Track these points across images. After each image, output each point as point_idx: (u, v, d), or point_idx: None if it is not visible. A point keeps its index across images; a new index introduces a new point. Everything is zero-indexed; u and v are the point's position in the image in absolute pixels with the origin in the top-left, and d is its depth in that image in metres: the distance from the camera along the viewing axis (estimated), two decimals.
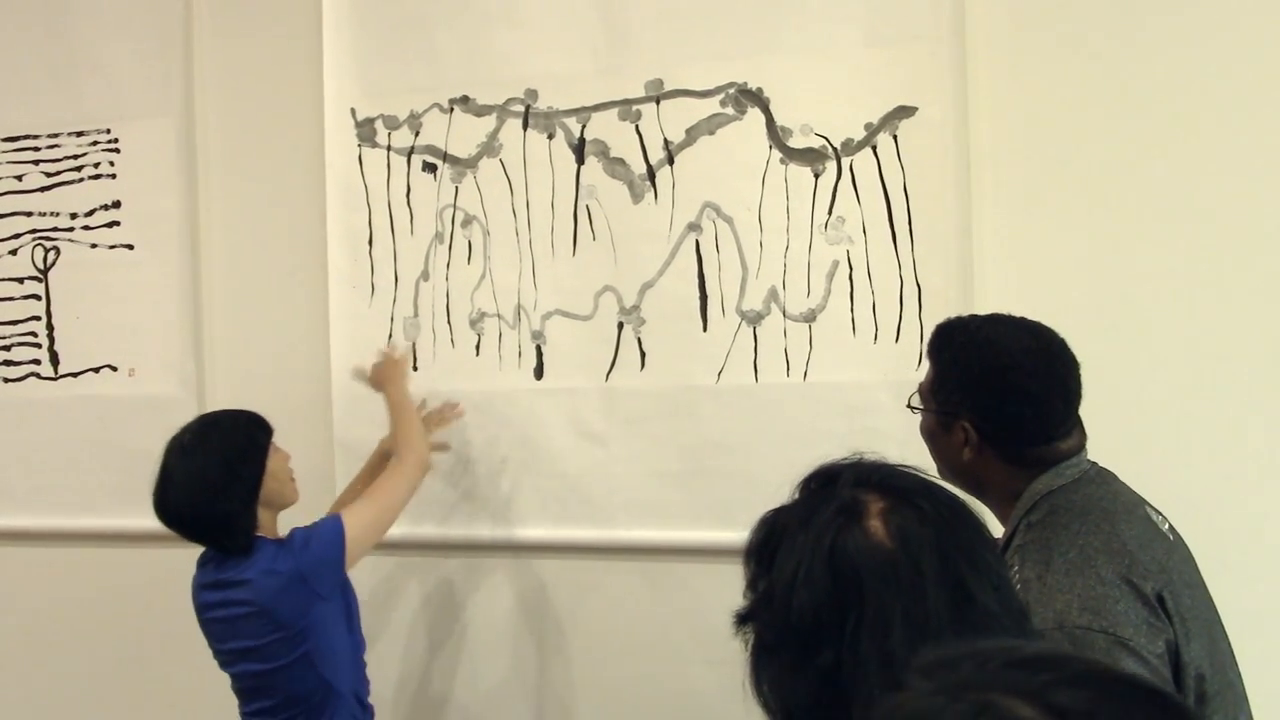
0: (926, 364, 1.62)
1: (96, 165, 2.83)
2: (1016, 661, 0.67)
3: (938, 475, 1.09)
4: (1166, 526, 1.52)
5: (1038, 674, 0.65)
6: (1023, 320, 1.56)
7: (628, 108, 2.46)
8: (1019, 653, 0.69)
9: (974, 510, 1.06)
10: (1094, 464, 1.53)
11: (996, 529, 1.16)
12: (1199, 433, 2.16)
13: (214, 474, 2.04)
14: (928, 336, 2.22)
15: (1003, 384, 1.49)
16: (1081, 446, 1.53)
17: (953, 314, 1.69)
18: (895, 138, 2.29)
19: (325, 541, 2.08)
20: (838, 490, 1.04)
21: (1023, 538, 1.46)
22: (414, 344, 2.60)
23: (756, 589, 1.05)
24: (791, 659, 0.97)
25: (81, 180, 2.84)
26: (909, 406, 1.62)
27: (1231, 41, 2.15)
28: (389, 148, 2.62)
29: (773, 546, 1.04)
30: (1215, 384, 2.16)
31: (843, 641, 0.95)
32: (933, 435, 1.58)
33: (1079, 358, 1.55)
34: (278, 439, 2.17)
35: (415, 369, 2.59)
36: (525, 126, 2.53)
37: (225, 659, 2.12)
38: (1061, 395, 1.50)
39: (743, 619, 1.04)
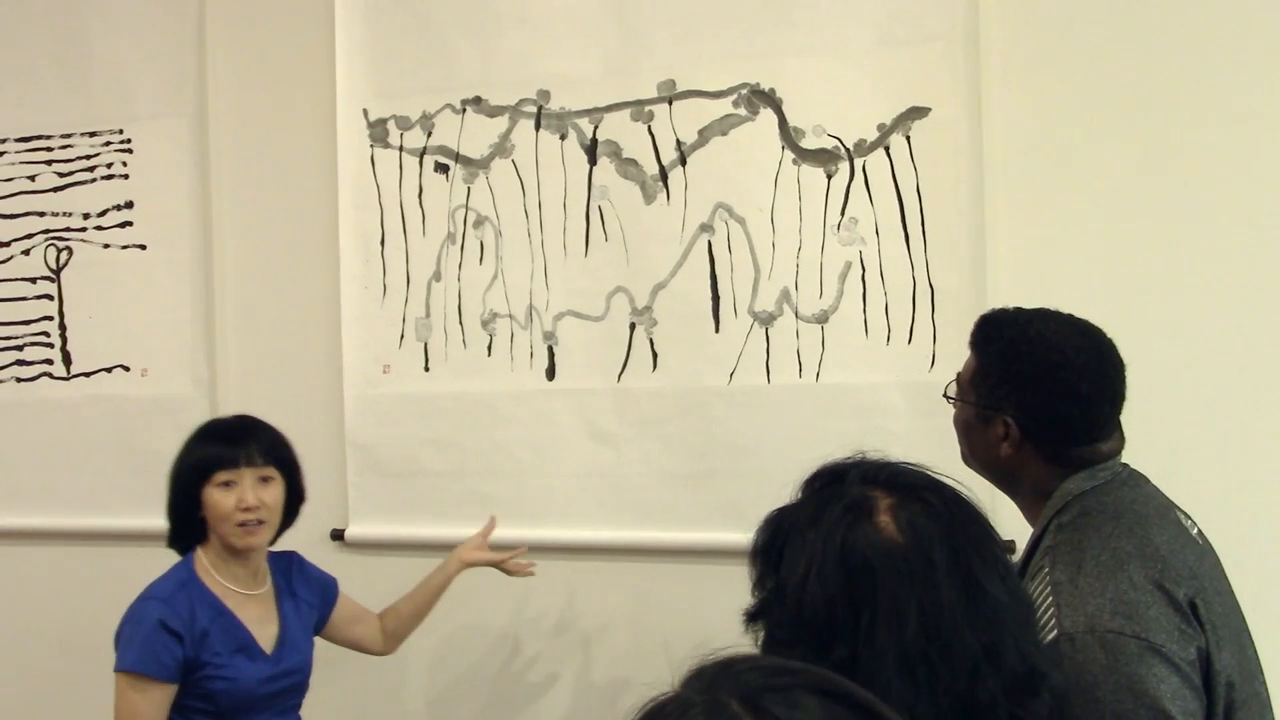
0: (940, 363, 1.60)
1: (109, 165, 2.84)
2: (759, 668, 0.70)
3: (938, 474, 1.09)
4: (1195, 531, 1.49)
5: (771, 679, 0.69)
6: (1072, 317, 1.52)
7: (640, 108, 2.46)
8: (765, 662, 0.72)
9: (978, 504, 1.08)
10: (1126, 466, 1.51)
11: (1002, 527, 1.15)
12: (1216, 434, 2.14)
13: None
14: (941, 335, 2.24)
15: (1053, 382, 1.45)
16: (1120, 449, 1.50)
17: (965, 316, 1.67)
18: (908, 138, 2.29)
19: (122, 640, 2.07)
20: (845, 488, 1.05)
21: (1053, 539, 1.43)
22: (426, 343, 2.61)
23: (765, 587, 1.06)
24: (805, 654, 0.98)
25: (94, 180, 2.85)
26: (945, 396, 1.59)
27: (1244, 42, 2.14)
28: (401, 148, 2.62)
29: (780, 545, 1.05)
30: (1232, 384, 2.14)
31: (858, 635, 0.96)
32: (969, 428, 1.55)
33: None
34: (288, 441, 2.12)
35: (427, 370, 2.60)
36: (537, 127, 2.53)
37: None
38: (1109, 397, 1.47)
39: (752, 617, 1.05)
